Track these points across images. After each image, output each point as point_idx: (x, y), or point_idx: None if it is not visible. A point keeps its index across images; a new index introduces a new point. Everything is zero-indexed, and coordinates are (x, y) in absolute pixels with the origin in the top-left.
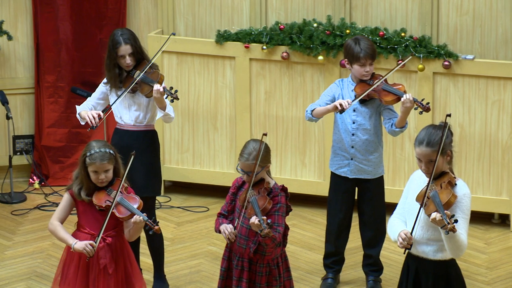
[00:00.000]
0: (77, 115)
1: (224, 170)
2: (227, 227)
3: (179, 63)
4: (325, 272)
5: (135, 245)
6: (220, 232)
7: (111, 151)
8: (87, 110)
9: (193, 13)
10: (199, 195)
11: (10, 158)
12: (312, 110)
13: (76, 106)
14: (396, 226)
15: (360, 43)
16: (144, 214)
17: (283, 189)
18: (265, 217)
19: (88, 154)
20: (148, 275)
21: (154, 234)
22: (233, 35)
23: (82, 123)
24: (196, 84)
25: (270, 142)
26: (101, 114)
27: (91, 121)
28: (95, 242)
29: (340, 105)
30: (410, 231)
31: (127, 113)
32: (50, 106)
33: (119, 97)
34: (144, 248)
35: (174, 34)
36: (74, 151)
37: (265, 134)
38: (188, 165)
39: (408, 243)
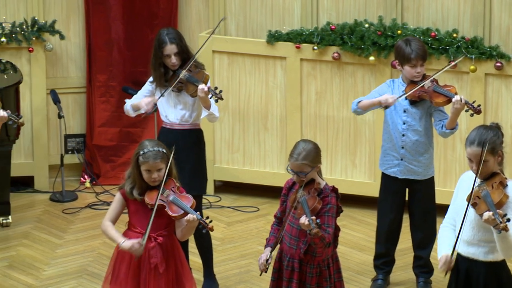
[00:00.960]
0: (128, 107)
1: (275, 171)
2: (262, 256)
3: (230, 63)
4: (375, 273)
5: (184, 244)
6: None
7: (164, 150)
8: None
9: (244, 13)
10: (249, 195)
11: (62, 157)
12: (359, 102)
13: (126, 100)
14: (444, 239)
15: (411, 44)
16: (198, 212)
17: (334, 189)
18: (314, 217)
19: (141, 153)
20: (197, 275)
21: (204, 233)
22: (284, 35)
23: (133, 115)
24: (247, 84)
25: (320, 143)
26: (155, 100)
27: (145, 107)
28: (143, 240)
29: (386, 100)
30: (454, 243)
31: (173, 112)
32: (102, 106)
33: (162, 93)
34: (192, 247)
35: (224, 18)
36: (125, 150)
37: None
38: (239, 165)
39: (448, 267)
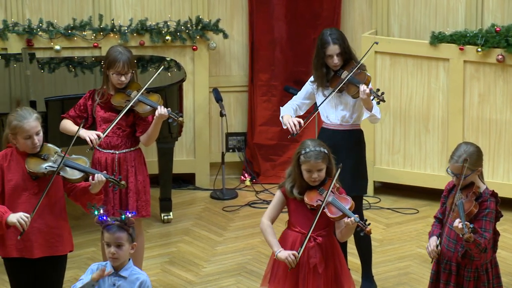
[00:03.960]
0: (280, 118)
1: (435, 173)
2: (430, 244)
3: (392, 64)
4: None
5: (343, 245)
6: None
7: (325, 151)
8: (291, 111)
9: (408, 14)
10: (409, 196)
11: (223, 155)
12: None
13: (280, 107)
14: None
15: None
16: (356, 215)
17: (493, 194)
18: (468, 222)
19: (302, 152)
20: (356, 275)
21: (363, 234)
22: (447, 36)
23: (284, 127)
24: (408, 85)
25: (482, 146)
26: (301, 122)
27: (291, 128)
28: (299, 253)
29: None
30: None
31: (334, 112)
32: (263, 105)
33: (326, 98)
34: (351, 248)
35: (377, 43)
36: (285, 149)
37: None
38: (399, 166)
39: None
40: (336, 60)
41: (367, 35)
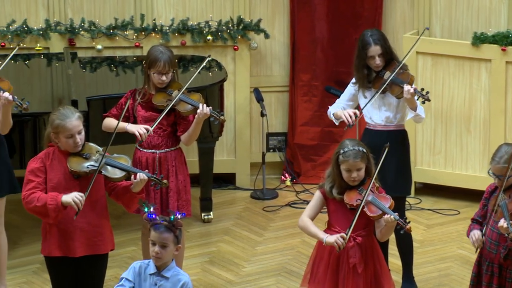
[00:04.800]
0: (331, 115)
1: (476, 174)
2: (475, 234)
3: (434, 64)
4: None
5: (384, 246)
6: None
7: (364, 150)
8: (340, 110)
9: (450, 15)
10: (450, 197)
11: (264, 155)
12: None
13: (329, 106)
14: None
15: None
16: (396, 213)
17: None
18: None
19: (341, 152)
20: (396, 276)
21: (404, 235)
22: (489, 37)
23: (337, 123)
24: (450, 86)
25: None
26: (357, 112)
27: (347, 120)
28: (347, 234)
29: None
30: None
31: (377, 113)
32: (304, 105)
33: (370, 99)
34: (392, 249)
35: (427, 29)
36: (326, 149)
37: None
38: (440, 167)
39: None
40: (377, 61)
41: (409, 36)
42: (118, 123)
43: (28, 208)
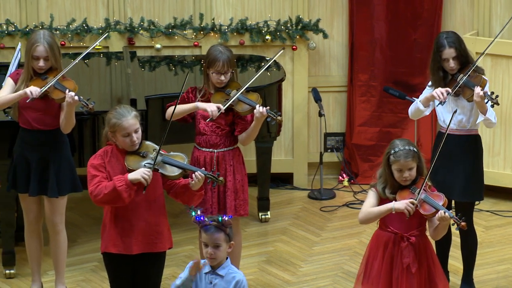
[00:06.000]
0: (418, 102)
1: None
2: None
3: (493, 65)
4: None
5: (445, 248)
6: None
7: (415, 149)
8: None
9: (510, 15)
10: (509, 199)
11: (321, 155)
12: None
13: (416, 99)
14: None
15: None
16: (450, 211)
17: None
18: None
19: (392, 152)
20: (454, 278)
21: (468, 236)
22: None
23: (422, 108)
24: (510, 87)
25: None
26: (449, 90)
27: (439, 96)
28: (414, 205)
29: None
30: None
31: (450, 116)
32: (362, 105)
33: (441, 102)
34: (453, 251)
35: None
36: (384, 150)
37: None
38: (499, 168)
39: None
40: (451, 64)
41: (468, 36)
42: (177, 102)
43: (97, 201)
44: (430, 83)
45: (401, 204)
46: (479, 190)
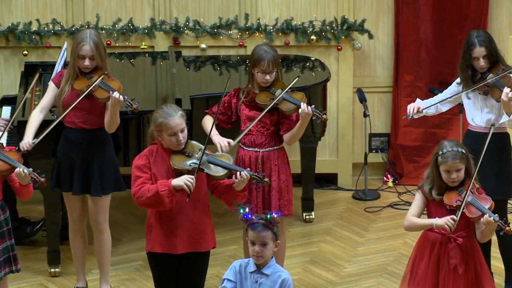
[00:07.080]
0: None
1: None
2: None
3: None
4: None
5: (487, 248)
6: None
7: (463, 151)
8: (427, 103)
9: None
10: None
11: (366, 156)
12: None
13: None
14: None
15: None
16: (496, 214)
17: None
18: None
19: (440, 153)
20: (498, 279)
21: (505, 236)
22: None
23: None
24: None
25: None
26: (421, 108)
27: (408, 111)
28: (455, 222)
29: None
30: None
31: (479, 115)
32: (407, 106)
33: (461, 92)
34: (495, 252)
35: None
36: (429, 151)
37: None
38: None
39: None
40: (482, 63)
41: None
42: (213, 126)
43: (140, 203)
44: (458, 80)
45: (442, 221)
46: (509, 187)
